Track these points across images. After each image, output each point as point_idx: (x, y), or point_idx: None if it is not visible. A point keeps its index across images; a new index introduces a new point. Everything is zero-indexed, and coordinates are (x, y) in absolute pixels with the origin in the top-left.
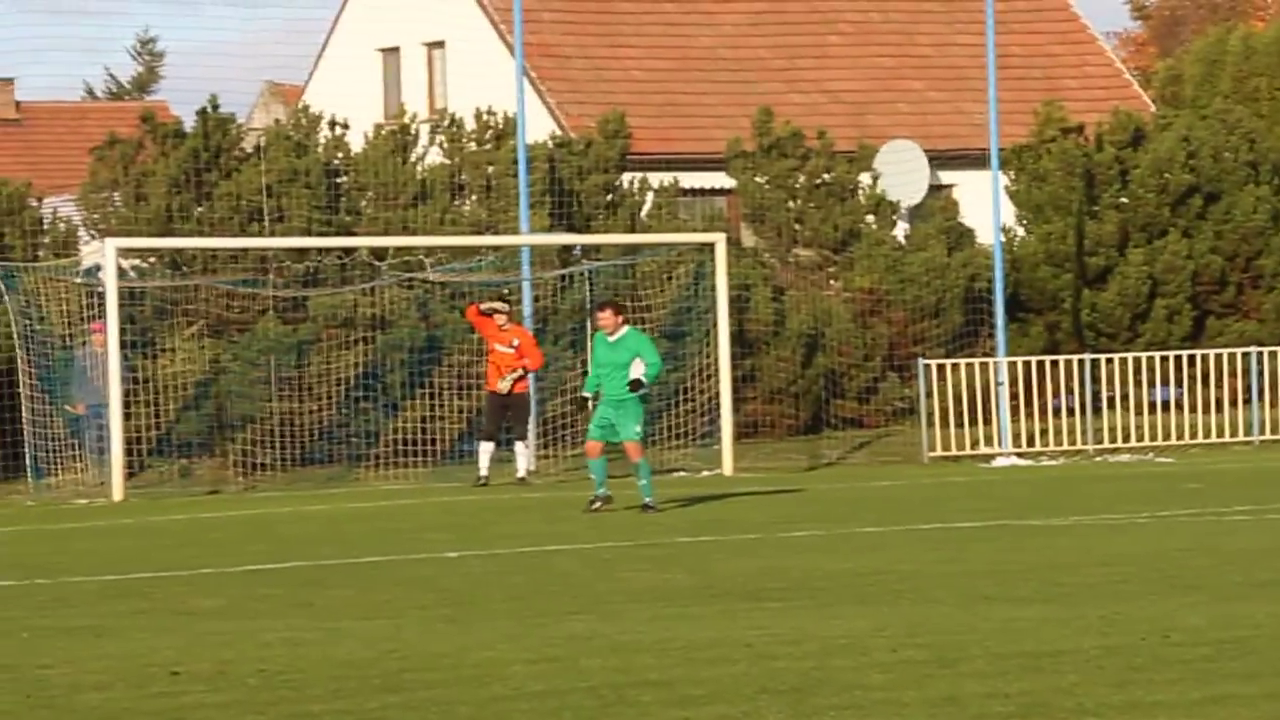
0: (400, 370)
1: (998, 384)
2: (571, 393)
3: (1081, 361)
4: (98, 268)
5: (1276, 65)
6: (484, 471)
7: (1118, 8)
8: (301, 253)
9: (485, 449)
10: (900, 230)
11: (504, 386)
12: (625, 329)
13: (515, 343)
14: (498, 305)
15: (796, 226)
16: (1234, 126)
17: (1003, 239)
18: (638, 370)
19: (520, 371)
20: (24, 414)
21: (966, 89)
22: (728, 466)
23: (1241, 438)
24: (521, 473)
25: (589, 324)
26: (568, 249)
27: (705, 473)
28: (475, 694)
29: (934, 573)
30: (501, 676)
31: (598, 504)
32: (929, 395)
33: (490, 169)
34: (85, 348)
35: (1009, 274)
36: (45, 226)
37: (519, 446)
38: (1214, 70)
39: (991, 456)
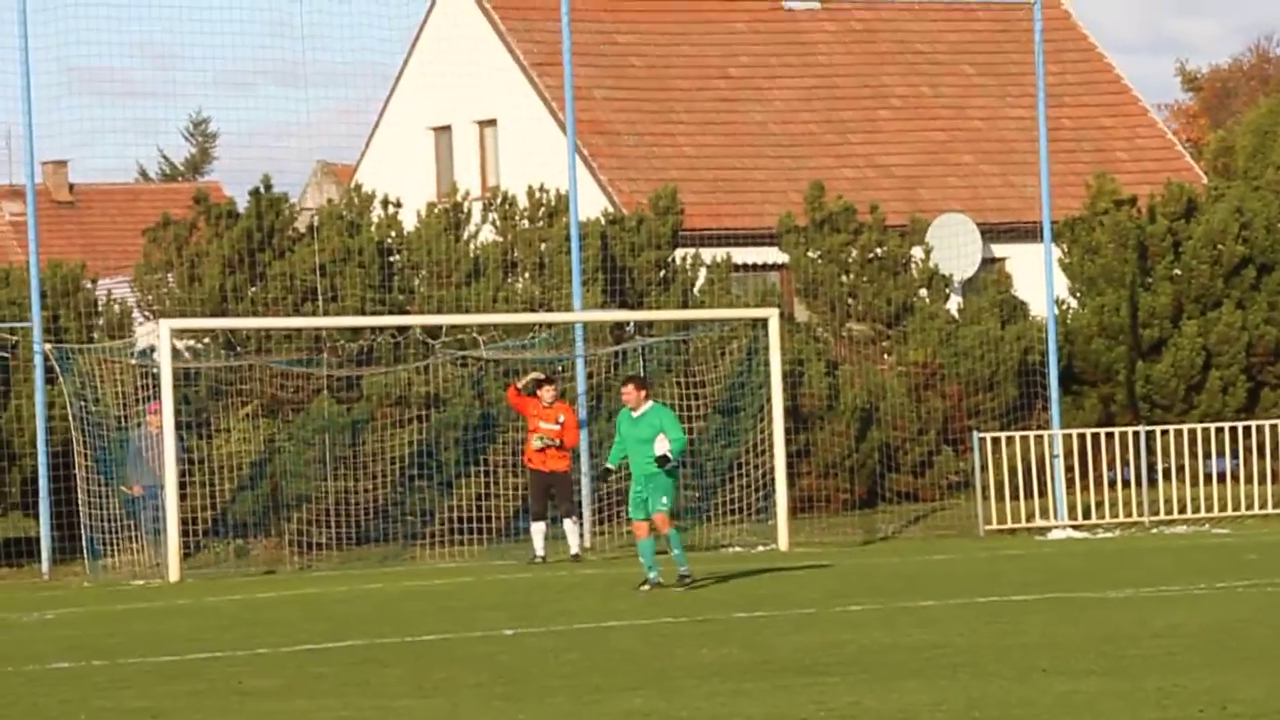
0: (455, 448)
1: (1053, 456)
2: (627, 468)
3: (1136, 434)
4: (152, 349)
5: None
6: (539, 551)
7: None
8: (355, 332)
9: (537, 529)
10: (953, 304)
11: (536, 445)
12: (649, 404)
13: (561, 419)
14: (540, 377)
15: (850, 301)
16: None
17: (1056, 311)
18: (662, 446)
19: (554, 441)
20: (80, 495)
21: (1018, 162)
22: (783, 541)
23: None
24: (574, 550)
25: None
26: (621, 325)
27: (761, 548)
28: None
29: (990, 646)
30: None
31: (647, 586)
32: (984, 468)
33: (543, 246)
34: (141, 429)
35: (1063, 346)
36: (100, 308)
37: (568, 525)
38: (1266, 141)
39: (1047, 529)
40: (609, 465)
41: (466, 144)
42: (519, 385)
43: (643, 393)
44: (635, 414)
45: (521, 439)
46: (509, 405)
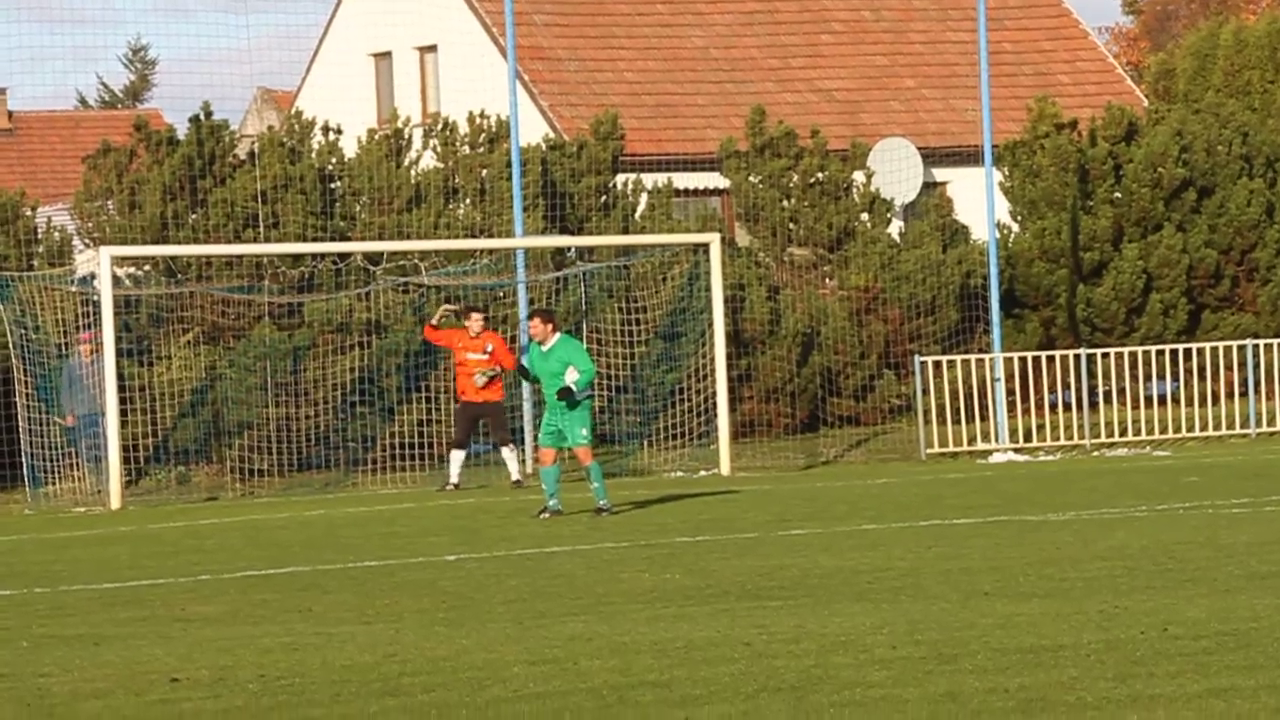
0: (396, 375)
1: (994, 380)
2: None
3: (1077, 357)
4: (93, 276)
5: (1268, 58)
6: (454, 479)
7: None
8: (296, 258)
9: (456, 456)
10: (895, 228)
11: (480, 381)
12: (556, 337)
13: (489, 348)
14: (453, 309)
15: (791, 226)
16: (1226, 120)
17: (997, 235)
18: (570, 377)
19: (496, 370)
20: (20, 423)
21: (959, 86)
22: (725, 466)
23: (1238, 430)
24: (515, 476)
25: (585, 326)
26: (562, 251)
27: (703, 472)
28: (475, 697)
29: (933, 569)
30: (501, 679)
31: (546, 514)
32: (925, 392)
33: (484, 172)
34: (74, 358)
35: (1004, 270)
36: (39, 235)
37: (505, 452)
38: (1206, 64)
39: (989, 452)
40: (527, 367)
41: (407, 70)
42: (433, 321)
43: (549, 325)
44: (544, 348)
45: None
46: (429, 343)
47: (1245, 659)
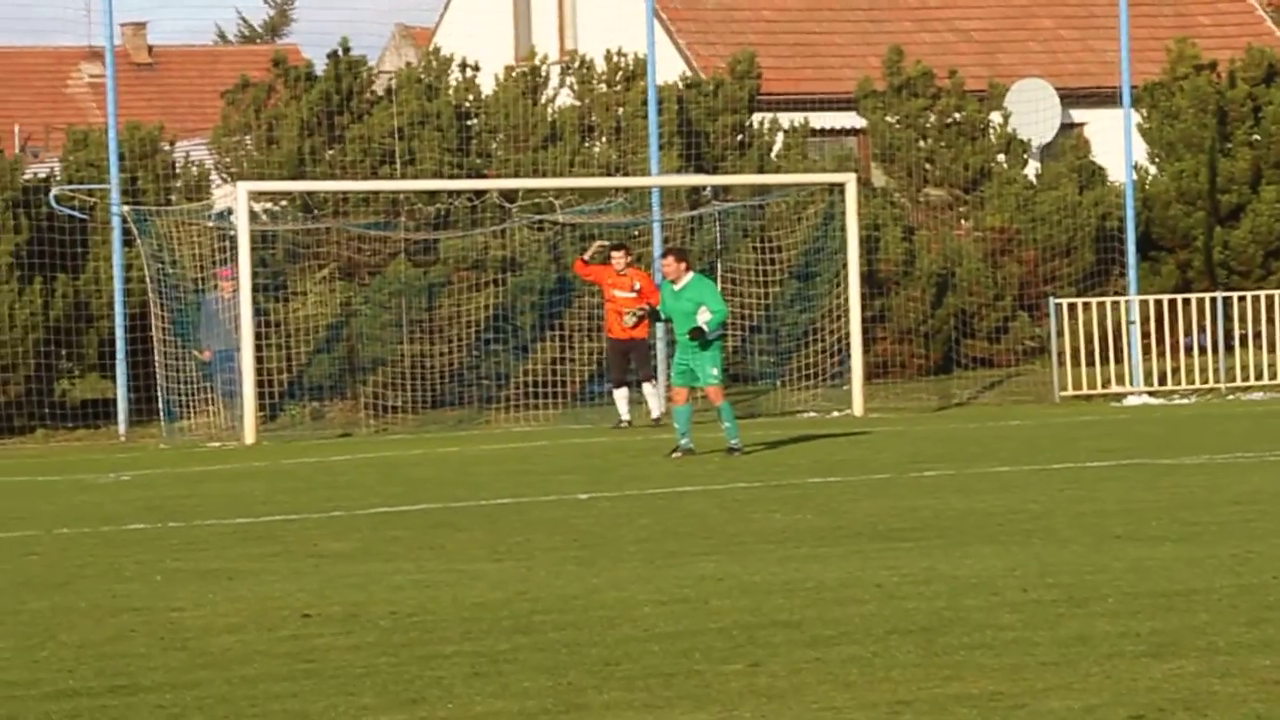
0: (531, 312)
1: (1130, 322)
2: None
3: (1214, 300)
4: (230, 211)
5: None
6: (625, 416)
7: None
8: (432, 195)
9: (620, 395)
10: (1031, 169)
11: (630, 322)
12: (689, 276)
13: (637, 286)
14: (606, 244)
15: (927, 166)
16: None
17: (1134, 177)
18: (703, 318)
19: (645, 309)
20: (157, 357)
21: (1098, 26)
22: (858, 407)
23: None
24: (655, 414)
25: (719, 266)
26: (698, 190)
27: (836, 413)
28: (606, 635)
29: (1065, 512)
30: (632, 618)
31: (678, 453)
32: (1060, 334)
33: (620, 110)
34: (213, 293)
35: (1140, 212)
36: (177, 170)
37: (647, 388)
38: None
39: (1123, 395)
40: (659, 310)
41: (545, 7)
42: (585, 257)
43: (683, 264)
44: (676, 287)
45: (598, 303)
46: (579, 277)
47: None
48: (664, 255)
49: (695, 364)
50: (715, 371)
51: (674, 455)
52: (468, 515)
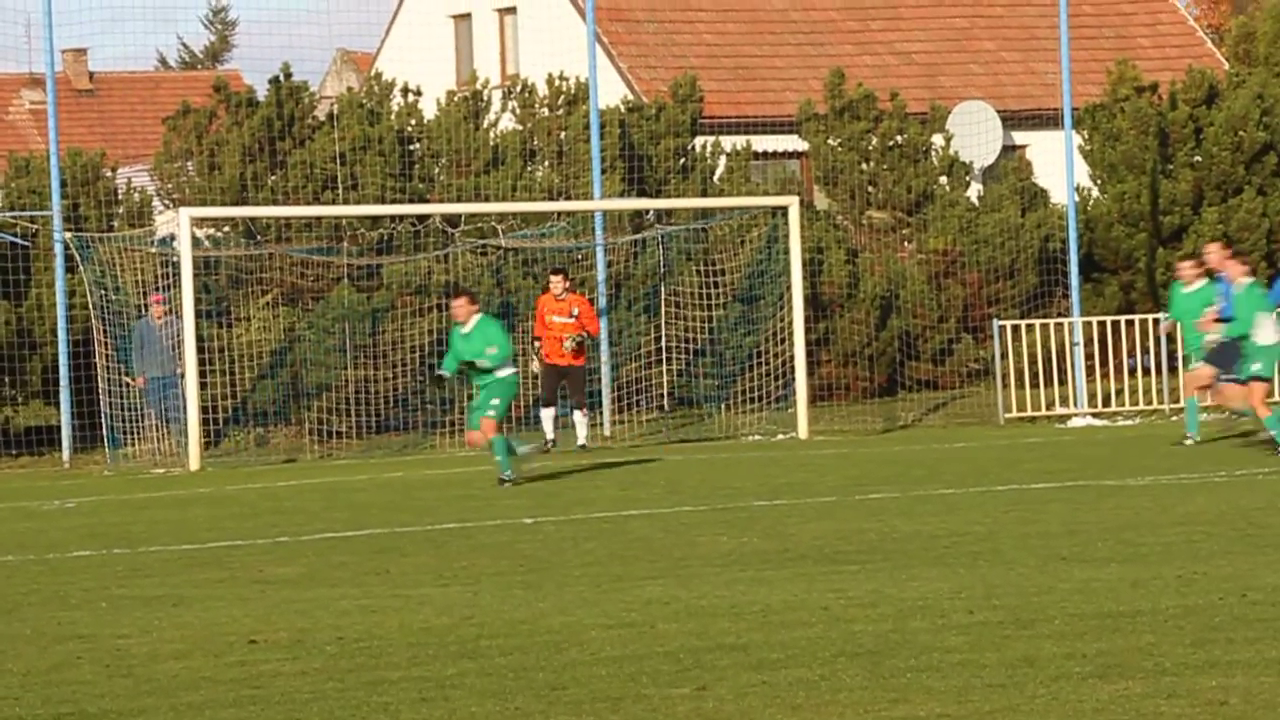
0: None
1: (1073, 344)
2: (645, 357)
3: (1156, 320)
4: (172, 237)
5: None
6: (550, 435)
7: None
8: (375, 220)
9: (547, 415)
10: (974, 191)
11: (569, 347)
12: (477, 317)
13: (575, 311)
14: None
15: (870, 189)
16: None
17: (1076, 199)
18: (489, 352)
19: (583, 336)
20: (100, 384)
21: (1039, 49)
22: (803, 430)
23: None
24: (581, 440)
25: (662, 289)
26: (640, 214)
27: (780, 436)
28: (552, 660)
29: (1011, 534)
30: (578, 642)
31: (508, 483)
32: (1004, 356)
33: (562, 134)
34: (144, 319)
35: (1083, 234)
36: (120, 197)
37: (578, 416)
38: None
39: (1067, 417)
40: (441, 372)
41: (487, 32)
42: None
43: (474, 306)
44: (465, 329)
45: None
46: (539, 292)
47: None
48: (456, 296)
49: (481, 399)
50: (496, 404)
51: (505, 484)
52: (413, 540)
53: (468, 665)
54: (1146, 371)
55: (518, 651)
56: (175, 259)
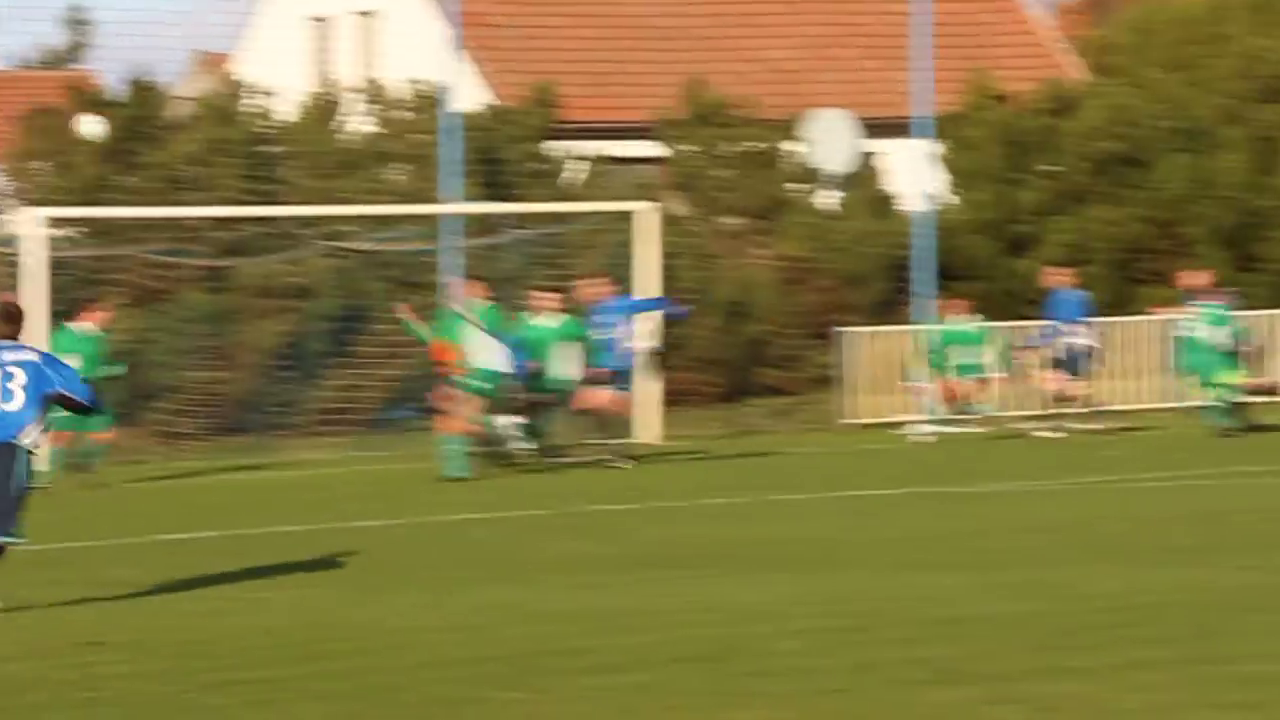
0: (324, 340)
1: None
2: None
3: (1008, 329)
4: (20, 237)
5: (1208, 34)
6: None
7: None
8: (227, 222)
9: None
10: (828, 198)
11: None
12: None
13: None
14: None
15: (724, 195)
16: (1163, 96)
17: (930, 207)
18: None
19: None
20: None
21: (896, 57)
22: (651, 434)
23: (1161, 405)
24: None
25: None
26: (495, 218)
27: (628, 440)
28: (392, 662)
29: (853, 540)
30: (419, 645)
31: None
32: (851, 363)
33: (419, 138)
34: None
35: (935, 242)
36: None
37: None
38: (1145, 39)
39: (912, 424)
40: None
41: (345, 35)
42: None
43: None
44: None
45: (391, 331)
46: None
47: (1161, 631)
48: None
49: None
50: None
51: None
52: (257, 543)
53: (307, 668)
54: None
55: (356, 654)
56: (26, 259)
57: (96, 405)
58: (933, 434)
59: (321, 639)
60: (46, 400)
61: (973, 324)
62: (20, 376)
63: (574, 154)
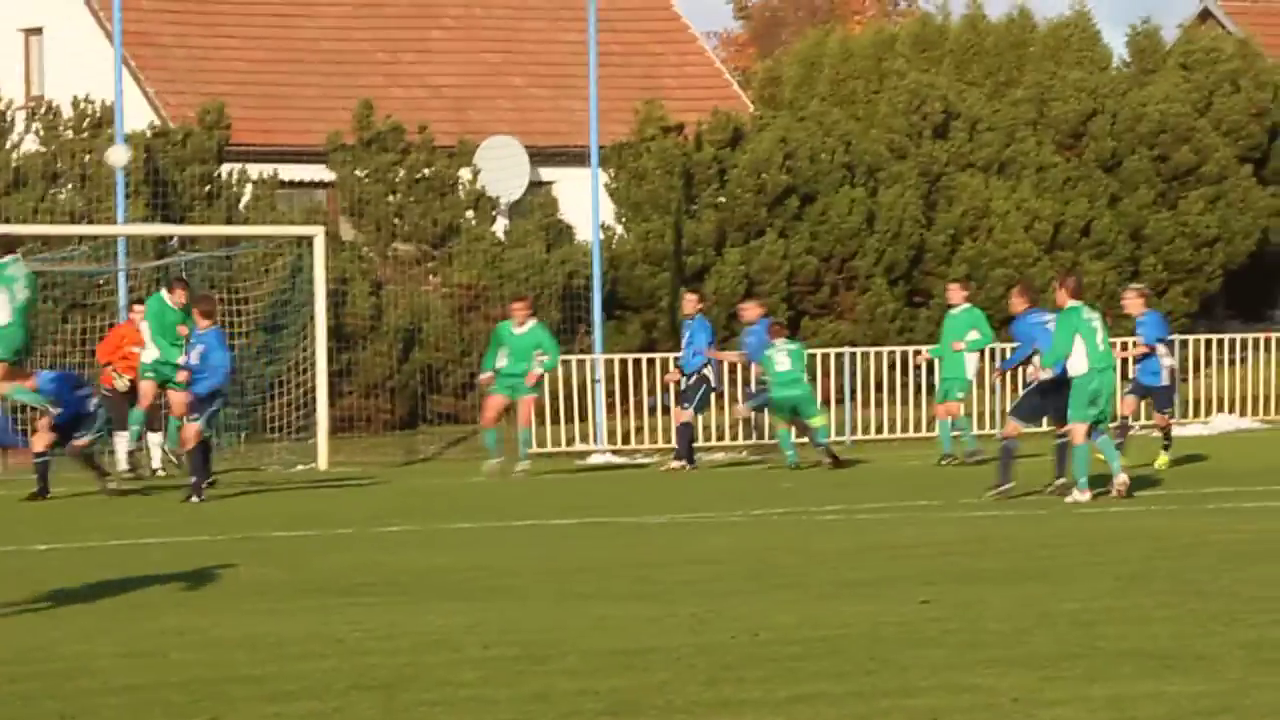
0: None
1: (594, 381)
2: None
3: (678, 360)
4: None
5: (872, 68)
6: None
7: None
8: None
9: (155, 440)
10: (500, 226)
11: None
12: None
13: None
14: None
15: (396, 221)
16: (830, 128)
17: (601, 236)
18: None
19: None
20: None
21: (568, 86)
22: (323, 461)
23: (834, 438)
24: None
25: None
26: (165, 240)
27: (300, 467)
28: (63, 688)
29: (528, 569)
30: (91, 670)
31: None
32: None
33: (87, 158)
34: None
35: (607, 272)
36: None
37: (153, 438)
38: (812, 72)
39: (587, 453)
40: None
41: (11, 51)
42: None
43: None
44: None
45: (61, 352)
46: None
47: (834, 665)
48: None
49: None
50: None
51: None
52: None
53: None
54: (665, 410)
55: (27, 679)
56: None
57: None
58: (609, 462)
59: None
60: None
61: None
62: None
63: (245, 176)
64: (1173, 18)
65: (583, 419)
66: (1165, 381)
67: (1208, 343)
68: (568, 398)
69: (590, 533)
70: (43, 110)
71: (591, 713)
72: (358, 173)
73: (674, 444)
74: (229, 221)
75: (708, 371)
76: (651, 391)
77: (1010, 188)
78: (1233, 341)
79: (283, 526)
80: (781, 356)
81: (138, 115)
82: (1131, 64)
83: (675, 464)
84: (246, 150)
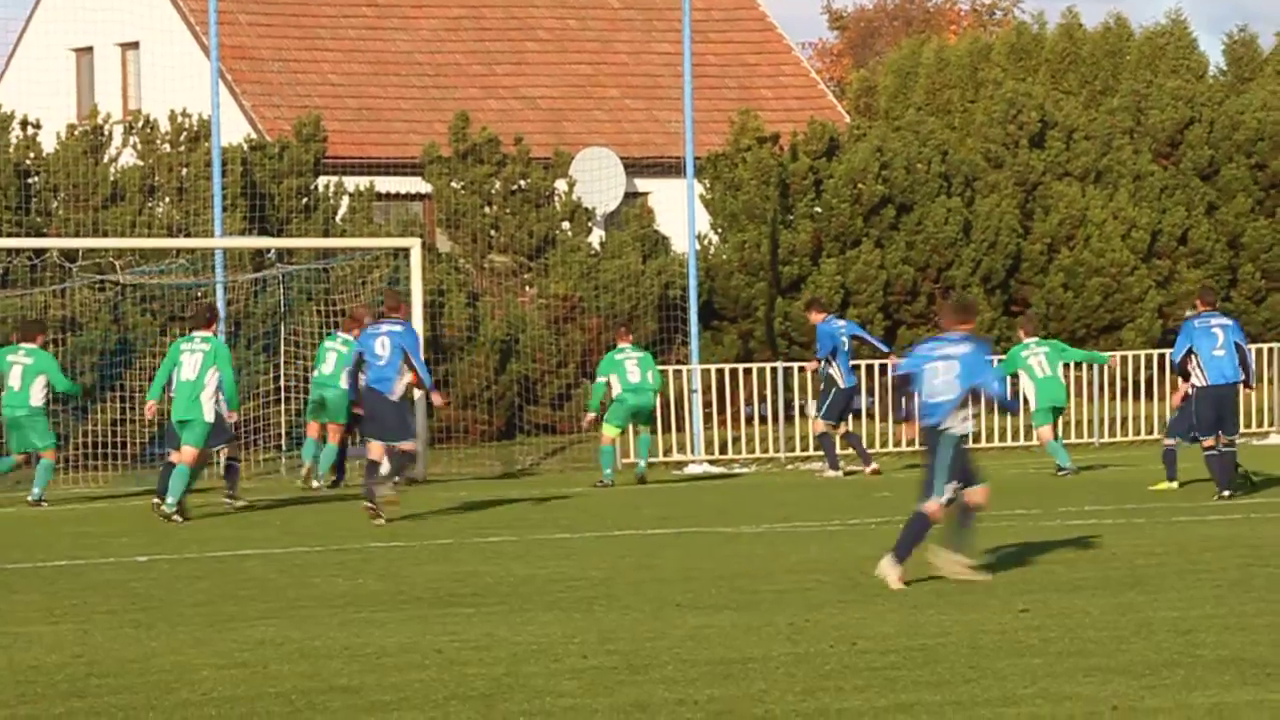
0: (91, 373)
1: (691, 391)
2: (264, 396)
3: (774, 370)
4: None
5: (968, 78)
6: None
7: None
8: None
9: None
10: (595, 237)
11: None
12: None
13: None
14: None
15: (492, 233)
16: (926, 138)
17: (697, 247)
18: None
19: None
20: None
21: (663, 97)
22: (420, 472)
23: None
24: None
25: (282, 328)
26: (262, 253)
27: (399, 479)
28: (163, 699)
29: (626, 579)
30: (190, 682)
31: None
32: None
33: (184, 171)
34: None
35: (703, 282)
36: None
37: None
38: (908, 82)
39: (684, 463)
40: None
41: (109, 66)
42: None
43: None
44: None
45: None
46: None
47: (932, 674)
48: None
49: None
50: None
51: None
52: (24, 577)
53: (76, 704)
54: (763, 420)
55: (127, 691)
56: None
57: None
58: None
59: (92, 675)
60: None
61: None
62: None
63: (342, 189)
64: (1269, 25)
65: (680, 429)
66: None
67: None
68: (665, 407)
69: (687, 542)
70: (140, 124)
71: None
72: (454, 184)
73: (812, 451)
74: (325, 234)
75: (835, 377)
76: (749, 401)
77: (1107, 196)
78: None
79: (381, 538)
80: (631, 365)
81: (234, 129)
82: (1228, 71)
83: (830, 472)
84: (343, 163)
